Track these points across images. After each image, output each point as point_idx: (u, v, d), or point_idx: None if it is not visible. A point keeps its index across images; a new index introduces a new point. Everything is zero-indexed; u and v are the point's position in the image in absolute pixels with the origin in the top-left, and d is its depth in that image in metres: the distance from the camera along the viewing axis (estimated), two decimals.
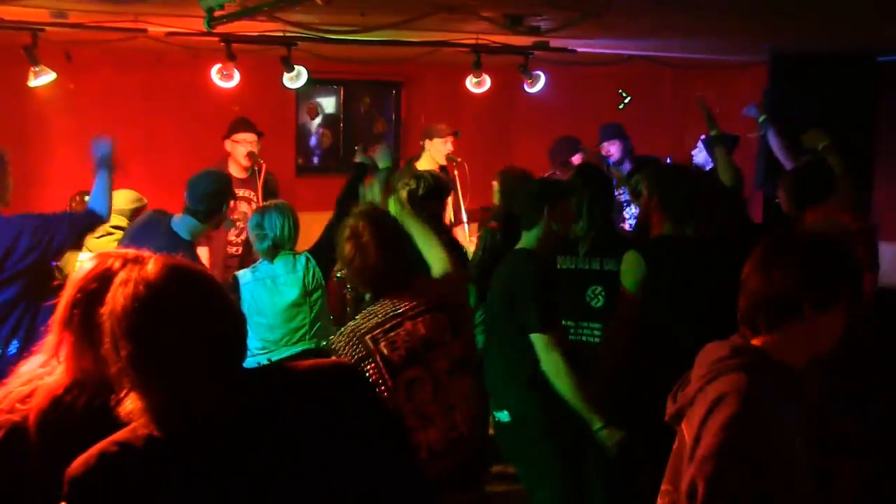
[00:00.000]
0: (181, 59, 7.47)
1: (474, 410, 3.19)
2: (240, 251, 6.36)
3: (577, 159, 6.80)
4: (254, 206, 6.40)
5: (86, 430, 1.81)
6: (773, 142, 6.07)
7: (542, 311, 3.72)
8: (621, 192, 6.41)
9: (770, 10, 5.21)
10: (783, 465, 2.01)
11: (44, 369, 2.05)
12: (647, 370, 3.76)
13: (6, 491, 1.99)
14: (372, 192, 5.33)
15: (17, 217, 4.42)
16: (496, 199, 5.26)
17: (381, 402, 2.02)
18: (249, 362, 1.84)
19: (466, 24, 5.78)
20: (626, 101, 7.41)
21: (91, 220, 4.54)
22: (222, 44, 6.20)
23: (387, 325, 3.04)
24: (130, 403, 1.72)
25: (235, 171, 6.24)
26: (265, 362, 2.42)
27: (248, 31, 5.99)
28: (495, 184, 5.28)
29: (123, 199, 5.42)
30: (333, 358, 2.96)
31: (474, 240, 5.62)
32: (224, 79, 6.52)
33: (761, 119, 6.21)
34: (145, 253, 1.89)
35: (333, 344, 3.12)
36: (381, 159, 5.21)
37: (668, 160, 7.30)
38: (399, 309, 3.09)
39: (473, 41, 6.67)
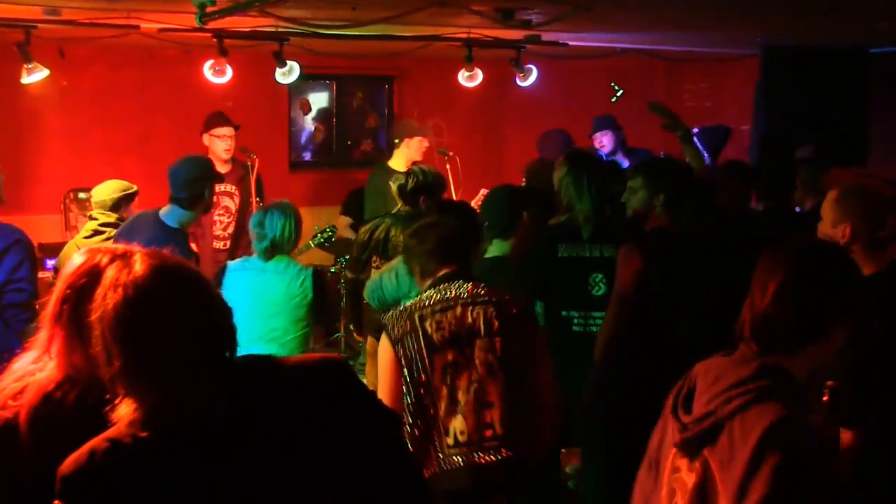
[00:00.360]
0: (174, 55, 7.48)
1: (520, 422, 3.10)
2: (227, 245, 6.37)
3: None
4: (236, 199, 6.41)
5: (77, 426, 1.81)
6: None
7: None
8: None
9: (762, 3, 5.22)
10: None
11: (35, 365, 2.05)
12: (641, 362, 3.77)
13: None
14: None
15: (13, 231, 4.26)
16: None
17: (372, 398, 2.02)
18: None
19: (458, 18, 5.79)
20: (619, 94, 7.41)
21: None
22: (214, 40, 6.20)
23: (437, 307, 3.12)
24: (125, 407, 1.72)
25: (216, 165, 6.23)
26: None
27: (240, 26, 5.98)
28: None
29: (105, 190, 5.26)
30: (322, 353, 2.97)
31: None
32: (216, 74, 6.52)
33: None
34: (134, 247, 1.88)
35: (385, 317, 3.21)
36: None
37: (662, 154, 7.30)
38: (455, 294, 3.15)
39: (465, 35, 6.68)
